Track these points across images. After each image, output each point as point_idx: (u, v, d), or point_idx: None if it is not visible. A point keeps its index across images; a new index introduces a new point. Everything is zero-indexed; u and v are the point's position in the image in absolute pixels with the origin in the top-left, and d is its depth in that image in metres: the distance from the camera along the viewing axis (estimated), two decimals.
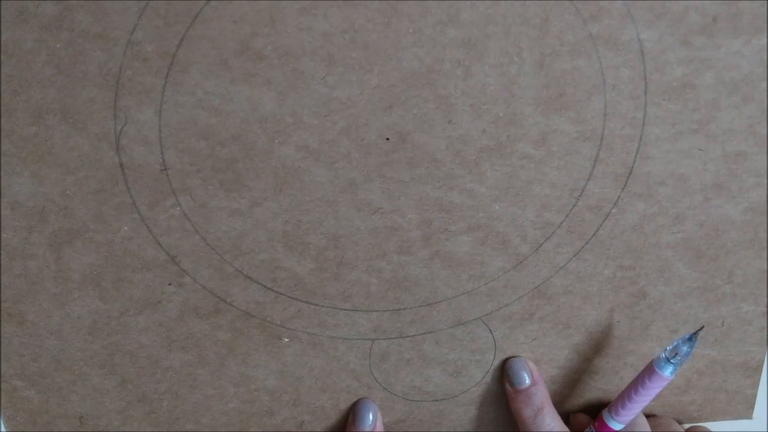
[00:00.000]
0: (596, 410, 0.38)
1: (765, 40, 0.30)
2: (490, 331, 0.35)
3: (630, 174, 0.32)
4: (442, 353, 0.35)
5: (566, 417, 0.38)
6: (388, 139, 0.30)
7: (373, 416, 0.35)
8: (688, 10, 0.29)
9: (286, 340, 0.34)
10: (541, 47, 0.29)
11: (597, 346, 0.36)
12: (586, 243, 0.33)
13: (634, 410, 0.34)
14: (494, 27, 0.29)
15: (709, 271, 0.35)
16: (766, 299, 0.36)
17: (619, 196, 0.33)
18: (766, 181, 0.33)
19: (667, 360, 0.32)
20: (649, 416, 0.38)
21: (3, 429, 0.33)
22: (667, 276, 0.35)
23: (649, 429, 0.35)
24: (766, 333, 0.37)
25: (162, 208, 0.30)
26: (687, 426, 0.39)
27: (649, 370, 0.33)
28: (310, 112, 0.30)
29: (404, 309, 0.34)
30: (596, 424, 0.35)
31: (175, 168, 0.30)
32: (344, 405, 0.35)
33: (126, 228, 0.30)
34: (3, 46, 0.27)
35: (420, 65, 0.29)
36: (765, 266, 0.35)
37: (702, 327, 0.34)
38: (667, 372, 0.32)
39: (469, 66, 0.29)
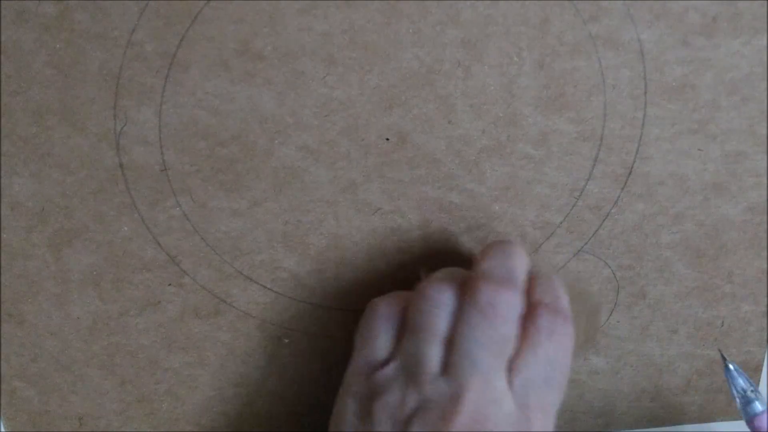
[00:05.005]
0: (596, 411, 0.38)
1: (765, 40, 0.30)
2: None
3: (630, 174, 0.32)
4: None
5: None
6: (387, 139, 0.30)
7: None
8: (688, 10, 0.29)
9: (286, 340, 0.34)
10: (541, 47, 0.29)
11: (596, 346, 0.36)
12: (586, 243, 0.33)
13: None
14: (494, 27, 0.29)
15: (709, 271, 0.35)
16: (765, 299, 0.36)
17: (618, 196, 0.33)
18: (766, 181, 0.33)
19: (746, 403, 0.32)
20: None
21: (3, 429, 0.33)
22: (666, 276, 0.35)
23: None
24: (766, 333, 0.37)
25: (162, 208, 0.30)
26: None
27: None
28: (310, 113, 0.30)
29: None
30: None
31: (175, 168, 0.30)
32: None
33: (126, 228, 0.30)
34: (3, 46, 0.27)
35: (420, 65, 0.29)
36: (765, 266, 0.35)
37: (723, 357, 0.33)
38: (758, 409, 0.31)
39: (469, 66, 0.29)
